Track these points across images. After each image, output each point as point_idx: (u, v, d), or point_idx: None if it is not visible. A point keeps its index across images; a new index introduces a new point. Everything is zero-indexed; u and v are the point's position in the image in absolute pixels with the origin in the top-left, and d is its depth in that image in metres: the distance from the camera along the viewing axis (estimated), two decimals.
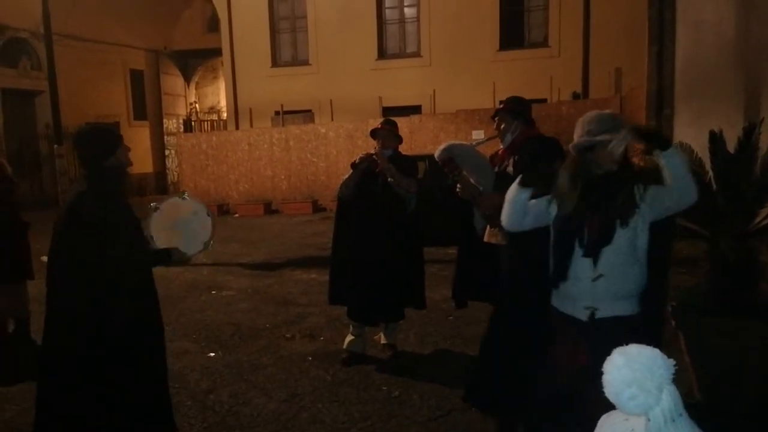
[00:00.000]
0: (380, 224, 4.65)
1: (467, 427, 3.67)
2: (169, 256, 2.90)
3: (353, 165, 4.76)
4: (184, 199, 3.06)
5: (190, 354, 5.13)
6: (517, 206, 2.76)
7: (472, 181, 3.82)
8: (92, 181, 2.88)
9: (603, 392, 1.57)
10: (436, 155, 3.85)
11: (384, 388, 4.30)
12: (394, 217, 4.67)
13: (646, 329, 2.59)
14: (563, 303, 2.71)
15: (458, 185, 3.83)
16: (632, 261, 2.58)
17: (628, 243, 2.57)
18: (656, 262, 2.68)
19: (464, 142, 4.17)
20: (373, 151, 4.72)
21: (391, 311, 4.78)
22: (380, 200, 4.66)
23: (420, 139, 14.34)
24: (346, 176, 4.76)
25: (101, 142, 2.97)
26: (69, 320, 2.81)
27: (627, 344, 1.61)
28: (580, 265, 2.61)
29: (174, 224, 2.98)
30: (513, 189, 2.81)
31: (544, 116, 12.90)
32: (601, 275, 2.57)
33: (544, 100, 14.45)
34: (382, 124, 4.87)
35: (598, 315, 2.60)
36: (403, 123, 14.50)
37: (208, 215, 3.05)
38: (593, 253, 2.58)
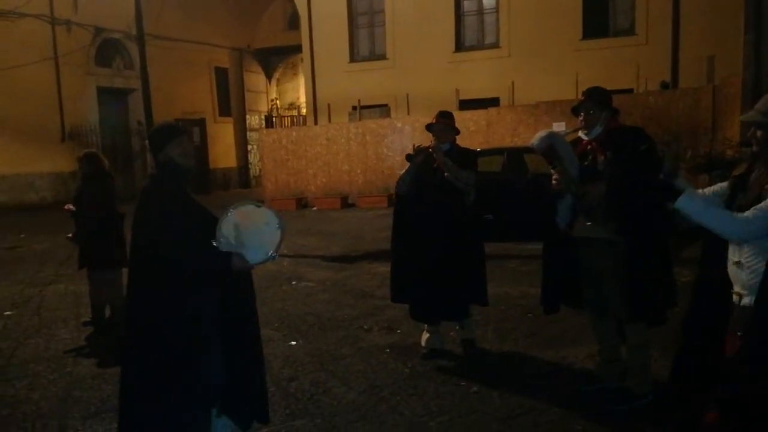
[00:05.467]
0: (440, 220, 4.55)
1: (550, 427, 3.59)
2: (230, 260, 2.93)
3: (408, 157, 4.67)
4: (259, 207, 3.08)
5: (273, 342, 5.28)
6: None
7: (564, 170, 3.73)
8: (152, 176, 3.00)
9: None
10: (534, 144, 3.76)
11: (462, 383, 4.27)
12: (453, 212, 4.56)
13: None
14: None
15: (555, 176, 3.75)
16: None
17: None
18: None
19: (560, 131, 4.11)
20: (429, 144, 4.62)
21: (453, 310, 4.68)
22: (439, 195, 4.55)
23: (498, 131, 14.13)
24: (403, 171, 4.69)
25: (154, 138, 3.06)
26: (144, 309, 2.94)
27: None
28: (731, 246, 2.52)
29: (244, 231, 3.00)
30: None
31: (631, 107, 12.39)
32: (738, 262, 2.48)
33: (630, 91, 13.89)
34: (437, 117, 4.73)
35: (743, 302, 2.49)
36: (480, 116, 14.51)
37: (279, 227, 3.02)
38: None
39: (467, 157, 4.71)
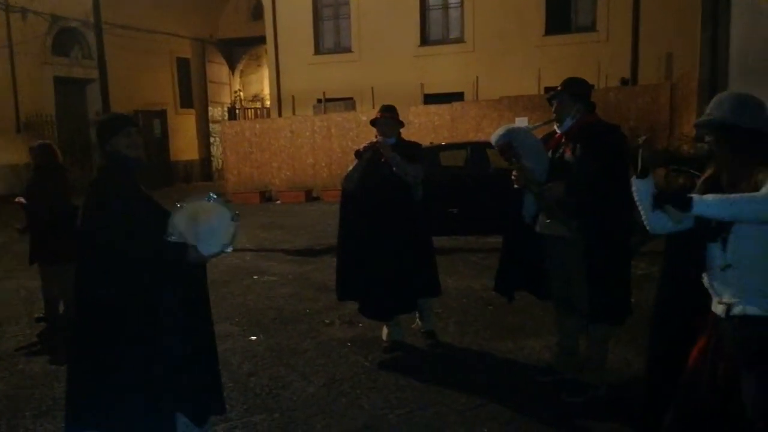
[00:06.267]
0: (389, 216, 4.50)
1: (507, 418, 3.63)
2: (184, 252, 2.88)
3: (357, 153, 4.61)
4: (212, 200, 3.04)
5: (233, 337, 5.22)
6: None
7: (527, 166, 3.73)
8: (100, 168, 2.94)
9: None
10: (493, 140, 3.74)
11: (423, 375, 4.28)
12: (402, 206, 4.53)
13: None
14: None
15: (514, 172, 3.74)
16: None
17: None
18: None
19: (521, 126, 4.07)
20: (375, 140, 4.56)
21: (405, 304, 4.66)
22: (387, 191, 4.50)
23: (462, 126, 14.20)
24: (350, 168, 4.60)
25: (101, 129, 2.99)
26: (90, 302, 2.87)
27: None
28: (711, 251, 2.34)
29: (197, 224, 2.96)
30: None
31: None
32: (729, 265, 2.29)
33: (591, 87, 14.09)
34: (380, 111, 4.70)
35: (734, 312, 2.29)
36: (445, 110, 14.55)
37: (233, 220, 3.01)
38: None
39: (413, 151, 4.66)
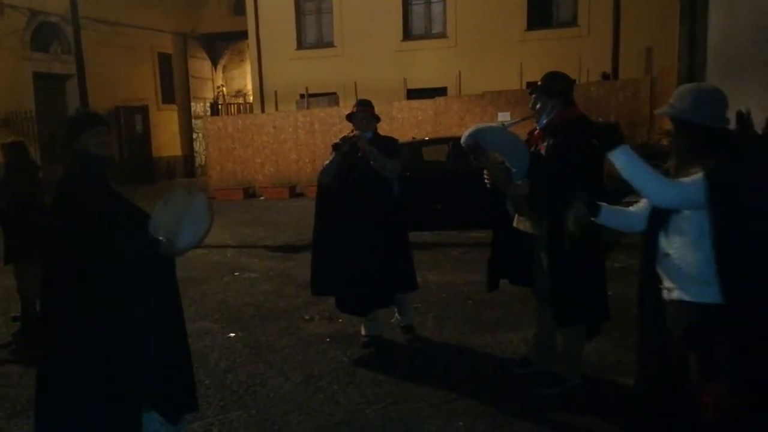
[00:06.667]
0: (365, 210, 4.48)
1: (481, 412, 3.65)
2: (157, 247, 2.87)
3: (336, 147, 4.58)
4: (188, 194, 3.03)
5: (211, 334, 5.20)
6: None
7: (506, 164, 3.73)
8: (67, 167, 2.91)
9: None
10: (462, 141, 3.75)
11: (400, 370, 4.30)
12: (379, 201, 4.52)
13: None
14: None
15: (485, 171, 3.75)
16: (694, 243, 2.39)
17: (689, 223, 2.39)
18: None
19: (495, 124, 4.04)
20: (353, 134, 4.53)
21: (383, 299, 4.66)
22: (363, 185, 4.48)
23: (445, 121, 14.21)
24: (327, 162, 4.57)
25: (70, 126, 2.96)
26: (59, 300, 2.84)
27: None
28: (662, 239, 2.49)
29: (172, 218, 2.94)
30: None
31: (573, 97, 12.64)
32: (667, 254, 2.45)
33: (570, 82, 14.16)
34: (356, 106, 4.67)
35: (672, 296, 2.48)
36: (428, 105, 14.56)
37: (208, 214, 3.00)
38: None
39: (390, 146, 4.66)
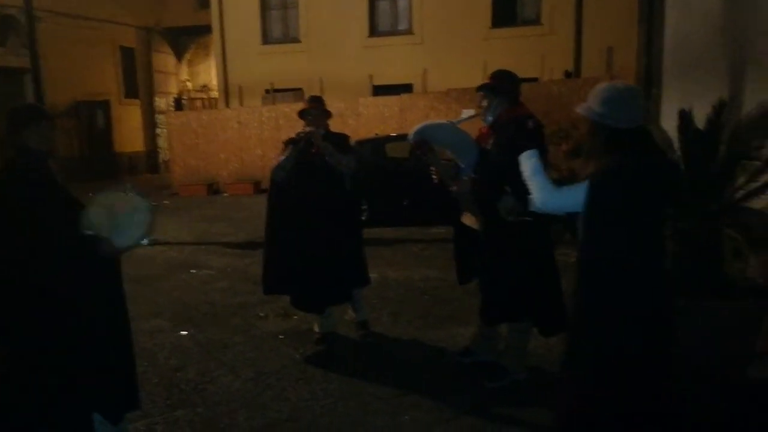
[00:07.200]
0: (320, 207, 4.46)
1: (428, 406, 3.67)
2: (97, 246, 2.81)
3: (290, 142, 4.53)
4: (127, 193, 2.98)
5: (163, 332, 5.13)
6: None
7: (455, 161, 3.76)
8: (6, 161, 2.85)
9: None
10: (409, 137, 3.77)
11: (352, 366, 4.31)
12: (334, 197, 4.50)
13: None
14: None
15: (432, 168, 3.78)
16: None
17: None
18: None
19: (444, 121, 4.06)
20: (306, 130, 4.49)
21: (339, 295, 4.66)
22: (318, 181, 4.45)
23: (410, 117, 14.20)
24: (282, 157, 4.50)
25: (10, 119, 2.89)
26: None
27: None
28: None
29: (112, 217, 2.89)
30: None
31: (536, 95, 12.74)
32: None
33: (535, 79, 14.31)
34: (309, 102, 4.63)
35: None
36: (393, 102, 14.56)
37: (149, 212, 2.96)
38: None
39: (342, 142, 4.64)
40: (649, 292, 2.39)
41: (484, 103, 3.69)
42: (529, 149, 2.70)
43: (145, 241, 2.96)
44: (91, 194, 2.88)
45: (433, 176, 3.77)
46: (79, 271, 2.84)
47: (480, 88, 3.72)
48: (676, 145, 3.88)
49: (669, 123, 4.33)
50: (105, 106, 19.71)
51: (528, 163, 2.67)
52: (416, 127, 3.74)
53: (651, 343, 2.41)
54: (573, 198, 2.43)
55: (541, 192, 2.58)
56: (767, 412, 3.19)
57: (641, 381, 2.39)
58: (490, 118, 3.69)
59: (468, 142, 3.78)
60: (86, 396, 2.94)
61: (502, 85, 3.69)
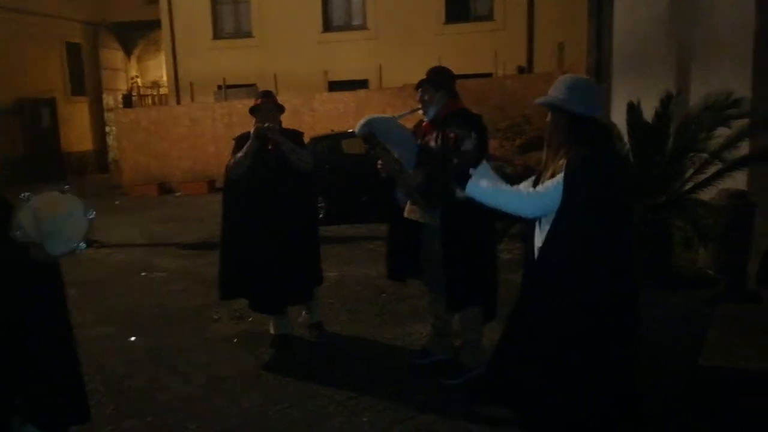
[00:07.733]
0: (279, 204, 4.36)
1: (384, 406, 3.62)
2: (28, 252, 2.65)
3: (242, 138, 4.40)
4: (63, 194, 2.82)
5: (110, 339, 4.94)
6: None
7: (395, 155, 3.73)
8: None
9: None
10: (356, 130, 3.74)
11: (307, 368, 4.22)
12: (291, 194, 4.40)
13: None
14: None
15: (379, 161, 3.75)
16: None
17: None
18: None
19: (386, 116, 4.06)
20: (262, 125, 4.32)
21: (298, 295, 4.57)
22: (277, 178, 4.34)
23: (367, 113, 13.88)
24: (240, 154, 4.34)
25: None
26: None
27: None
28: (537, 231, 2.64)
29: (45, 220, 2.73)
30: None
31: (489, 90, 12.87)
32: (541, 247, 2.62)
33: (489, 75, 14.43)
34: (261, 98, 4.51)
35: None
36: (349, 97, 14.46)
37: (86, 216, 2.80)
38: None
39: (296, 138, 4.54)
40: (624, 276, 2.43)
41: (426, 98, 3.72)
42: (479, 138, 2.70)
43: (83, 246, 2.79)
44: (23, 195, 2.71)
45: (380, 169, 3.74)
46: (8, 277, 2.69)
47: (420, 84, 3.75)
48: (626, 138, 3.92)
49: (618, 117, 4.41)
50: (51, 103, 18.98)
51: (478, 191, 2.57)
52: (363, 119, 3.72)
53: (624, 326, 2.44)
54: (550, 195, 2.39)
55: (516, 203, 2.51)
56: (717, 400, 3.25)
57: (615, 361, 2.42)
58: (431, 113, 3.71)
59: (408, 138, 3.80)
60: (23, 407, 2.79)
61: (441, 80, 3.76)
